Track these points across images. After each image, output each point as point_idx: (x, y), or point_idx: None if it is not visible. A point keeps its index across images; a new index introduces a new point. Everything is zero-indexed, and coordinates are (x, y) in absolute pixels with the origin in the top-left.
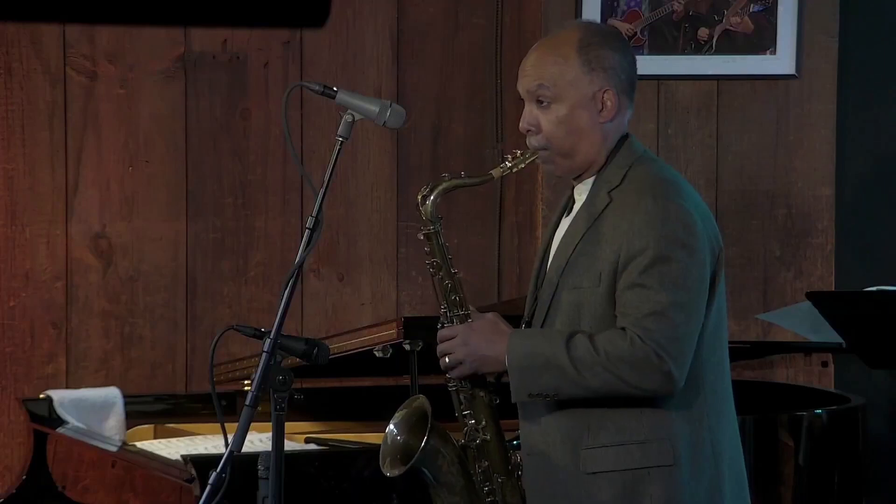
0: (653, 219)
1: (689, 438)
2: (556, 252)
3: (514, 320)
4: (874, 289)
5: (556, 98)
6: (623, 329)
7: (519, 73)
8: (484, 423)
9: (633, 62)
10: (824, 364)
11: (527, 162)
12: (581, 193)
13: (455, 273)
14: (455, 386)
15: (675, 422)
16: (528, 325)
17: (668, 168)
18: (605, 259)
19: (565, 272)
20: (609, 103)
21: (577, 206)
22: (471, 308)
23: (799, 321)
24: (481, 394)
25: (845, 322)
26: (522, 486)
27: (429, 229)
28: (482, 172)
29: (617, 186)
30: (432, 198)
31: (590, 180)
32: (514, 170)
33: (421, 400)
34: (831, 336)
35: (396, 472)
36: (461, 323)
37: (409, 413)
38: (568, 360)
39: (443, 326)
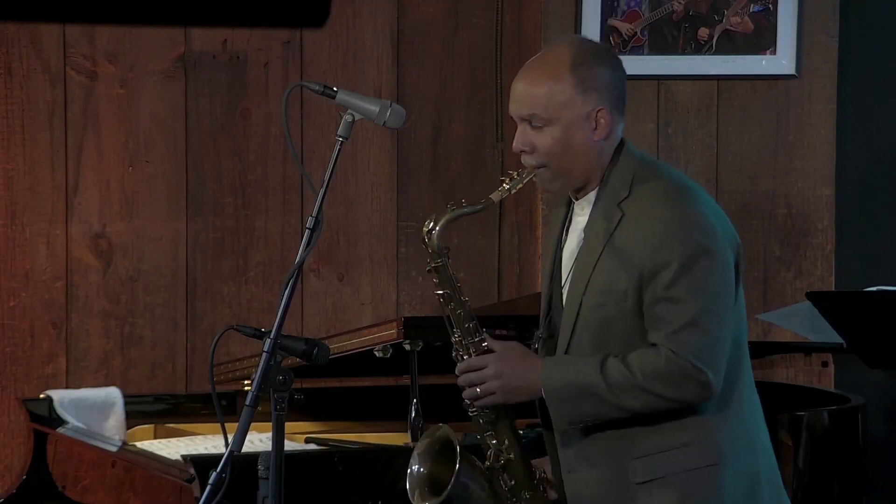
0: (672, 229)
1: (729, 435)
2: (573, 272)
3: (515, 320)
4: (874, 289)
5: (550, 121)
6: (655, 345)
7: (510, 94)
8: (507, 442)
9: (624, 76)
10: (824, 364)
11: (524, 182)
12: (583, 208)
13: (465, 301)
14: (476, 411)
15: (716, 421)
16: (547, 343)
17: (671, 171)
18: (628, 275)
19: (588, 291)
20: (603, 121)
21: (580, 222)
22: (484, 332)
23: (799, 321)
24: (501, 415)
25: (845, 322)
26: (549, 498)
27: (437, 262)
28: (482, 200)
29: (626, 198)
30: (437, 230)
31: (591, 195)
32: (513, 191)
33: (444, 429)
34: (831, 336)
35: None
36: (477, 349)
37: (432, 443)
38: (605, 387)
39: (458, 355)
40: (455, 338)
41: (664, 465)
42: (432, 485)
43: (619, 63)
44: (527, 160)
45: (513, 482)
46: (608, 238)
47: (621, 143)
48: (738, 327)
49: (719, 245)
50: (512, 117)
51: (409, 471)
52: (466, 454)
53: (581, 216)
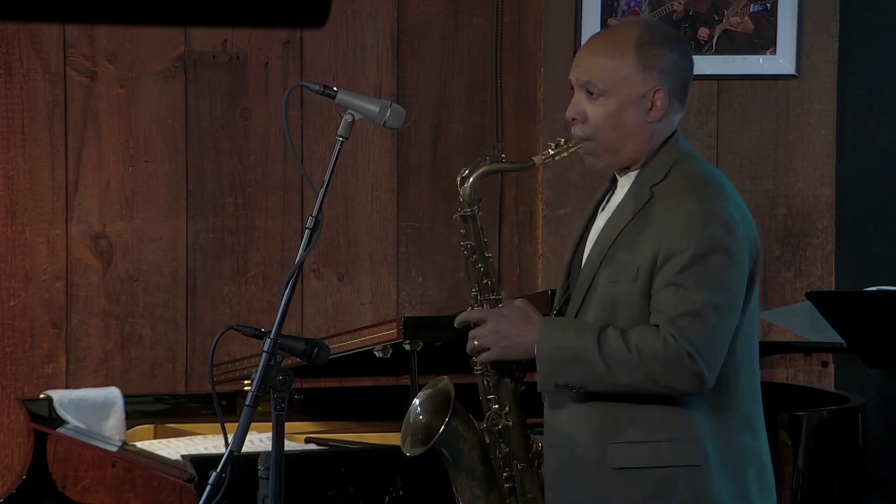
0: (695, 220)
1: (716, 441)
2: (594, 245)
3: None
4: (874, 289)
5: (606, 92)
6: (656, 327)
7: (574, 60)
8: (508, 408)
9: (691, 65)
10: (824, 364)
11: (570, 151)
12: (623, 185)
13: (489, 257)
14: (481, 370)
15: (704, 422)
16: (560, 314)
17: (711, 167)
18: (643, 255)
19: (603, 265)
20: (659, 103)
21: (617, 199)
22: (503, 293)
23: (799, 321)
24: (507, 380)
25: (845, 322)
26: (542, 475)
27: (466, 211)
28: (524, 159)
29: (659, 182)
30: (471, 180)
31: (633, 174)
32: (557, 158)
33: (445, 381)
34: (831, 336)
35: (416, 452)
36: (492, 307)
37: (433, 393)
38: (598, 356)
39: (472, 309)
40: (473, 292)
41: (644, 455)
42: (425, 435)
43: (688, 53)
44: (576, 130)
45: (507, 450)
46: (632, 217)
47: (674, 133)
48: (747, 337)
49: (738, 245)
50: (571, 85)
51: (405, 417)
52: (463, 412)
53: (619, 194)
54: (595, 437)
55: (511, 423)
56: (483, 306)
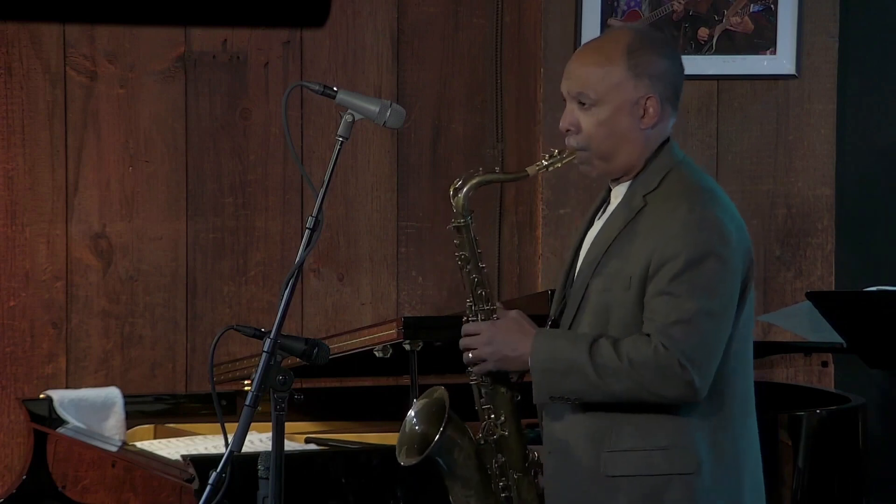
0: (687, 227)
1: (711, 447)
2: (587, 253)
3: None
4: (874, 289)
5: (599, 101)
6: (648, 336)
7: (564, 71)
8: (503, 418)
9: (681, 70)
10: (824, 364)
11: (563, 162)
12: (617, 196)
13: (483, 267)
14: (476, 380)
15: (699, 429)
16: (556, 323)
17: (705, 175)
18: (636, 263)
19: (596, 274)
20: (651, 110)
21: (611, 208)
22: (498, 304)
23: (799, 321)
24: (502, 389)
25: (845, 322)
26: (539, 484)
27: (459, 222)
28: (517, 170)
29: (652, 191)
30: (465, 191)
31: (627, 183)
32: (550, 168)
33: (441, 391)
34: (831, 336)
35: (412, 462)
36: (486, 317)
37: (429, 403)
38: (591, 367)
39: (468, 320)
40: (468, 302)
41: (638, 463)
42: (420, 444)
43: (678, 57)
44: (570, 141)
45: (503, 459)
46: (625, 225)
47: (667, 140)
48: (742, 344)
49: (731, 252)
50: (563, 96)
51: (401, 427)
52: (459, 422)
53: (614, 203)
54: (591, 444)
55: (507, 433)
56: (478, 316)
